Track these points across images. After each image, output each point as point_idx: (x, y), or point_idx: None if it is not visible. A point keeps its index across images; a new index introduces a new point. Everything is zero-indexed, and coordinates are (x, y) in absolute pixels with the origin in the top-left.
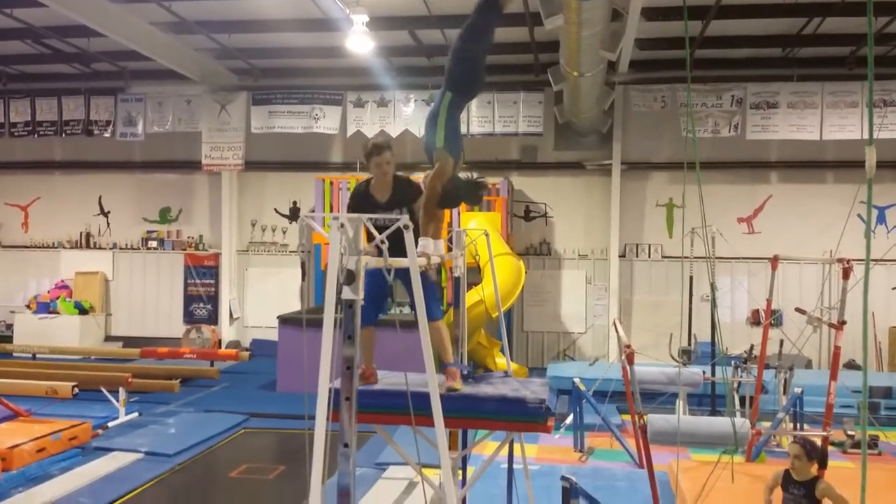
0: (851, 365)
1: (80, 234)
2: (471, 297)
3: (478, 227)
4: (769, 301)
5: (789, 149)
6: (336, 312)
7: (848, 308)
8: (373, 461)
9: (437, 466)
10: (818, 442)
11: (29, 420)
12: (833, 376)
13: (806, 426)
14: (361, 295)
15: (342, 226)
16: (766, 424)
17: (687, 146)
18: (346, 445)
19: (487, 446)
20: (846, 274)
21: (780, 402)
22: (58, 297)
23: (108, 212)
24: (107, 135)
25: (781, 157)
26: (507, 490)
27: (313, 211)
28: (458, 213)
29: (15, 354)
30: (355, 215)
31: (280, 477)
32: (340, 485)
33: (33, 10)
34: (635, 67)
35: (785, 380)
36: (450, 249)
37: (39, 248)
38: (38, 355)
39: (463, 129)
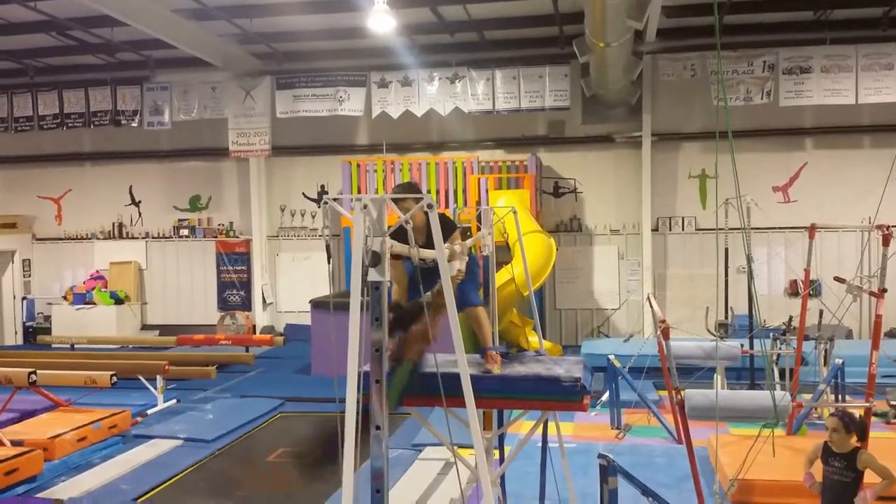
0: (893, 334)
1: (113, 224)
2: (501, 276)
3: (506, 204)
4: (807, 271)
5: (824, 114)
6: (363, 295)
7: (889, 275)
8: (409, 442)
9: (473, 446)
10: (860, 413)
11: (69, 410)
12: (875, 346)
13: (848, 397)
14: (388, 276)
15: (365, 207)
16: (807, 397)
17: (719, 115)
18: (377, 428)
19: (523, 425)
20: (886, 241)
21: (820, 374)
22: (93, 288)
23: (140, 201)
24: (134, 124)
25: (816, 123)
26: (540, 469)
27: (341, 193)
28: (487, 192)
29: (54, 346)
30: (378, 196)
31: (317, 460)
32: (374, 467)
33: (56, 1)
34: (663, 36)
35: (825, 351)
36: (478, 229)
37: (73, 239)
38: (76, 346)
39: (488, 106)
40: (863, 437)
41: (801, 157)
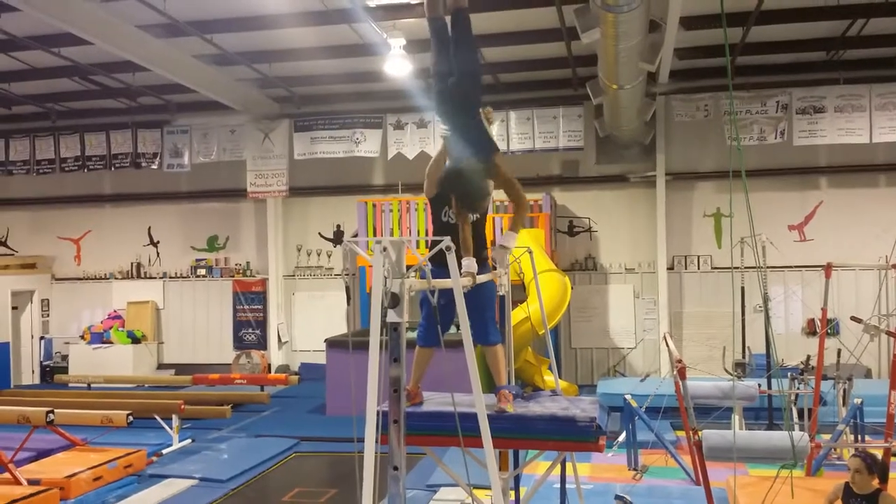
0: None
1: (131, 264)
2: (516, 315)
3: (521, 244)
4: (824, 310)
5: (838, 153)
6: (382, 335)
7: None
8: (424, 483)
9: (489, 487)
10: (879, 454)
11: (85, 449)
12: (893, 385)
13: (867, 438)
14: (406, 318)
15: (385, 249)
16: (826, 437)
17: (732, 154)
18: (395, 468)
19: (539, 466)
20: None
21: (839, 414)
22: (111, 328)
23: (158, 242)
24: (154, 167)
25: (831, 162)
26: None
27: (356, 234)
28: (502, 231)
29: (71, 385)
30: (397, 238)
31: (332, 501)
32: None
33: (80, 48)
34: (676, 77)
35: (844, 391)
36: (494, 268)
37: (92, 279)
38: (92, 385)
39: (503, 147)
40: (884, 478)
41: (816, 195)
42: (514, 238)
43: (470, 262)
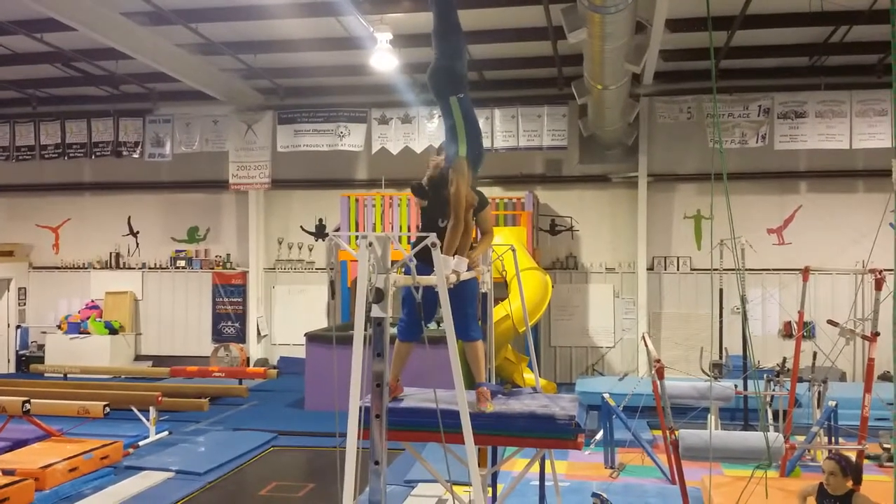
0: (886, 377)
1: (110, 254)
2: (497, 312)
3: (503, 241)
4: (801, 313)
5: (818, 158)
6: (365, 330)
7: (881, 319)
8: (402, 478)
9: (467, 483)
10: (853, 456)
11: (61, 440)
12: (867, 389)
13: (841, 440)
14: (390, 313)
15: (370, 244)
16: (800, 438)
17: (714, 157)
18: (376, 463)
19: (517, 463)
20: (878, 285)
21: (813, 416)
22: (88, 318)
23: (138, 232)
24: (135, 156)
25: (810, 167)
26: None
27: (338, 228)
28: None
29: (47, 375)
30: (383, 234)
31: (309, 495)
32: (371, 502)
33: (63, 34)
34: (660, 79)
35: (819, 393)
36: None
37: (70, 268)
38: (69, 375)
39: (487, 144)
40: (858, 480)
41: (795, 199)
42: (447, 261)
43: (459, 261)
